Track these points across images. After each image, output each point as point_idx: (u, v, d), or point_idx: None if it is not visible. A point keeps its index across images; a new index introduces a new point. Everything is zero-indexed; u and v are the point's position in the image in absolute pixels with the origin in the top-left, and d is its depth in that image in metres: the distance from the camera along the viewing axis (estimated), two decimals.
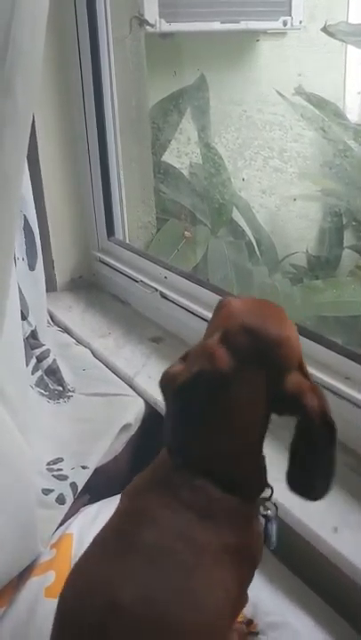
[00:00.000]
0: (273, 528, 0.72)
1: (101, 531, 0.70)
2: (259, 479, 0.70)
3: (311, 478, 0.65)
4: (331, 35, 1.71)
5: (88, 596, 0.62)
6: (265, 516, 0.72)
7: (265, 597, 0.90)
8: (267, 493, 0.71)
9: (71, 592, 0.66)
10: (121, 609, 0.59)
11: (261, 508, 0.71)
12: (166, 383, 0.64)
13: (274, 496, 0.71)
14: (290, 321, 0.68)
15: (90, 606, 0.61)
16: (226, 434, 0.65)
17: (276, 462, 0.68)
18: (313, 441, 0.63)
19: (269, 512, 0.72)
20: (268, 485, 0.71)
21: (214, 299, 1.31)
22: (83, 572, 0.67)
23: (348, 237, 2.00)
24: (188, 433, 0.66)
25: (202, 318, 1.30)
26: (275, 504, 0.72)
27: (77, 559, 0.69)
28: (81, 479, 1.07)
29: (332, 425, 0.63)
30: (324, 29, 1.71)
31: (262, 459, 0.70)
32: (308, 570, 0.93)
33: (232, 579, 0.65)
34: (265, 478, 0.70)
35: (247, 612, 0.87)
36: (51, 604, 0.85)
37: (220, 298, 0.72)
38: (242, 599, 0.71)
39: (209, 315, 1.27)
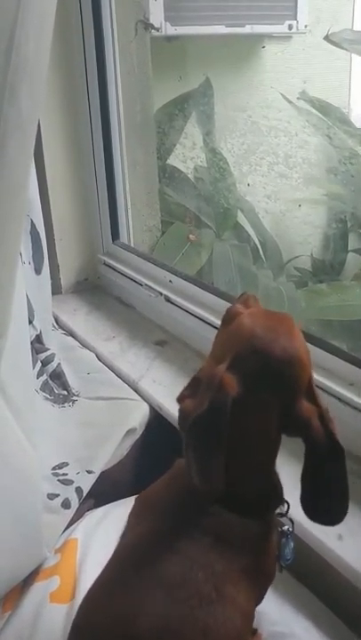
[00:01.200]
0: (289, 544, 0.72)
1: (117, 553, 0.69)
2: (273, 497, 0.70)
3: (326, 503, 0.64)
4: (334, 44, 1.70)
5: (106, 629, 0.61)
6: (281, 532, 0.72)
7: (270, 605, 0.89)
8: (283, 509, 0.71)
9: (87, 623, 0.65)
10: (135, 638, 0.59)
11: (278, 524, 0.71)
12: (184, 422, 0.63)
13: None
14: (300, 334, 0.66)
15: (104, 635, 0.61)
16: (239, 458, 0.64)
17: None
18: (322, 467, 0.63)
19: (286, 528, 0.72)
20: (283, 501, 0.70)
21: (219, 303, 1.32)
22: (99, 602, 0.66)
23: (353, 241, 2.00)
24: (212, 470, 0.63)
25: (206, 322, 1.30)
26: (291, 519, 0.72)
27: (92, 586, 0.68)
28: (86, 484, 1.07)
29: (341, 449, 0.62)
30: (327, 38, 1.70)
31: (276, 476, 0.69)
32: (312, 578, 0.93)
33: (249, 600, 0.66)
34: (280, 495, 0.70)
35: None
36: (55, 609, 0.85)
37: (229, 306, 0.70)
38: (253, 615, 0.71)
39: (214, 318, 1.28)
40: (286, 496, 0.70)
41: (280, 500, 0.70)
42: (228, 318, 0.68)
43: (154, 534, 0.67)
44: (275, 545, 0.70)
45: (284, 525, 0.72)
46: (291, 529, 0.73)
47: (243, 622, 0.64)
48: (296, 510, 0.88)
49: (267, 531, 0.68)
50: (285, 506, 0.71)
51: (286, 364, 0.62)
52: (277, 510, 0.70)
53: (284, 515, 0.71)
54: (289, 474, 0.69)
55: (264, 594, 0.70)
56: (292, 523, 0.73)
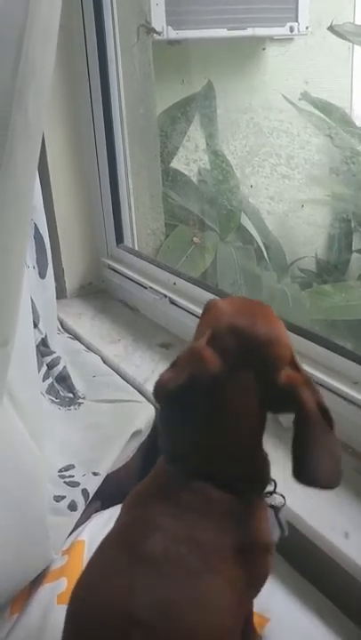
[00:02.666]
0: (281, 518, 0.73)
1: (103, 544, 0.70)
2: (261, 475, 0.70)
3: (317, 465, 0.63)
4: (338, 35, 1.71)
5: (105, 615, 0.62)
6: (273, 507, 0.72)
7: (277, 603, 0.90)
8: (271, 488, 0.71)
9: (84, 610, 0.65)
10: (140, 623, 0.60)
11: (269, 500, 0.71)
12: (159, 391, 0.63)
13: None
14: (278, 319, 0.68)
15: (108, 624, 0.61)
16: (221, 435, 0.65)
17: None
18: (313, 431, 0.63)
19: (277, 502, 0.73)
20: (271, 480, 0.71)
21: None
22: (93, 589, 0.66)
23: (357, 242, 2.00)
24: (184, 438, 0.66)
25: None
26: (282, 495, 0.73)
27: (82, 574, 0.69)
28: (92, 486, 1.07)
29: (328, 411, 0.63)
30: (331, 29, 1.71)
31: (263, 455, 0.70)
32: (319, 575, 0.93)
33: (241, 577, 0.66)
34: (268, 473, 0.70)
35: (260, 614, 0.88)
36: (63, 611, 0.85)
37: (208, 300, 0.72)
38: (252, 598, 0.71)
39: None
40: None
41: (267, 478, 0.71)
42: (207, 309, 0.70)
43: (139, 518, 0.68)
44: (265, 522, 0.70)
45: (274, 501, 0.73)
46: (283, 503, 0.73)
47: (233, 595, 0.65)
48: (302, 509, 0.90)
49: (255, 509, 0.69)
50: (273, 484, 0.72)
51: (264, 341, 0.64)
52: (266, 489, 0.71)
53: (273, 492, 0.72)
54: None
55: (263, 574, 0.70)
56: (284, 498, 0.73)
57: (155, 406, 1.23)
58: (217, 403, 0.64)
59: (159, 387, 0.63)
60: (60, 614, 0.87)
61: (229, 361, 0.63)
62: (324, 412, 0.63)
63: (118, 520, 0.72)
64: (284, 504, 0.74)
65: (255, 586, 0.71)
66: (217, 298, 0.72)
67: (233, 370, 0.63)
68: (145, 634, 0.60)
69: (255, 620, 0.84)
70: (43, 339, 1.31)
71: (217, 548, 0.64)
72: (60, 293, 1.66)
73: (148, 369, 1.34)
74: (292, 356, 0.66)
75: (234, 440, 0.66)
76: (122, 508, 0.73)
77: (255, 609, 0.81)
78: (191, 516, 0.65)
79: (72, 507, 1.03)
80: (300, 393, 0.63)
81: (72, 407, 1.27)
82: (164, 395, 0.63)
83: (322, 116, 1.84)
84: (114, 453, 1.13)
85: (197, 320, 1.37)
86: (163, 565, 0.63)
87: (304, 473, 0.63)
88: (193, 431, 0.65)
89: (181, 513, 0.65)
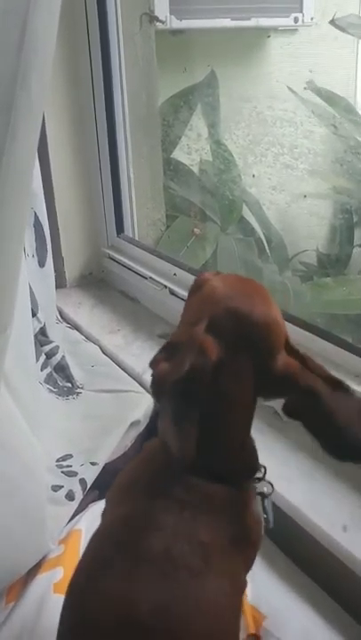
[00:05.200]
0: (269, 505, 0.72)
1: (96, 540, 0.68)
2: (250, 462, 0.69)
3: (353, 434, 0.61)
4: (340, 28, 1.69)
5: (102, 616, 0.60)
6: (261, 494, 0.71)
7: (274, 595, 0.89)
8: (260, 474, 0.71)
9: (79, 610, 0.63)
10: (139, 624, 0.58)
11: (257, 488, 0.71)
12: (158, 385, 0.60)
13: (280, 494, 0.71)
14: (272, 298, 0.66)
15: (105, 625, 0.60)
16: (216, 424, 0.64)
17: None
18: (331, 406, 0.61)
19: (265, 489, 0.72)
20: (260, 466, 0.70)
21: None
22: (89, 588, 0.64)
23: (359, 235, 1.99)
24: (189, 434, 0.63)
25: None
26: (270, 482, 0.72)
27: (75, 574, 0.67)
28: (90, 475, 1.07)
29: (338, 380, 0.62)
30: (333, 23, 1.69)
31: (251, 442, 0.69)
32: (317, 569, 0.93)
33: (236, 567, 0.65)
34: (256, 460, 0.70)
35: (258, 609, 0.87)
36: (59, 600, 0.85)
37: (196, 276, 0.69)
38: (244, 583, 0.70)
39: None
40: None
41: (256, 465, 0.70)
42: (197, 286, 0.68)
43: (133, 515, 0.66)
44: (256, 511, 0.70)
45: (263, 488, 0.72)
46: (270, 491, 0.72)
47: (233, 589, 0.64)
48: (300, 501, 0.89)
49: (246, 497, 0.68)
50: (262, 470, 0.71)
51: (263, 326, 0.62)
52: (255, 475, 0.70)
53: (262, 479, 0.71)
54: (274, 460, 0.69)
55: (252, 561, 0.69)
56: (272, 485, 0.72)
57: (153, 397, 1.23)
58: (214, 389, 0.61)
59: (158, 380, 0.60)
60: (55, 603, 0.87)
61: (227, 347, 0.61)
62: (334, 382, 0.62)
63: (106, 512, 0.70)
64: (272, 491, 0.72)
65: (249, 568, 0.70)
66: (206, 274, 0.69)
67: (230, 355, 0.61)
68: (145, 636, 0.58)
69: (253, 615, 0.84)
70: (41, 328, 1.30)
71: (217, 544, 0.63)
72: (60, 283, 1.66)
73: (147, 359, 1.32)
74: (286, 338, 0.65)
75: (228, 428, 0.65)
76: (108, 499, 0.72)
77: (252, 604, 0.80)
78: (190, 512, 0.63)
79: (70, 496, 1.03)
80: (301, 381, 0.62)
81: (70, 397, 1.27)
82: (164, 389, 0.60)
83: (326, 106, 1.82)
84: (112, 443, 1.13)
85: None
86: (165, 566, 0.61)
87: (341, 447, 0.62)
88: (192, 420, 0.63)
89: (181, 509, 0.63)
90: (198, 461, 0.63)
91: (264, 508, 0.71)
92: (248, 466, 0.69)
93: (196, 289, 0.68)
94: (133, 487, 0.69)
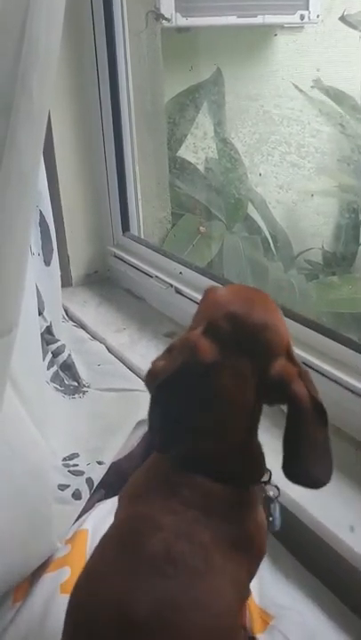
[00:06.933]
0: (276, 508, 0.72)
1: (104, 542, 0.68)
2: (256, 466, 0.69)
3: (309, 465, 0.63)
4: (350, 25, 1.69)
5: (104, 618, 0.61)
6: (267, 498, 0.71)
7: (281, 596, 0.89)
8: (266, 478, 0.70)
9: (81, 609, 0.64)
10: (136, 624, 0.59)
11: (263, 491, 0.71)
12: (150, 380, 0.63)
13: (287, 494, 0.71)
14: (276, 307, 0.67)
15: (104, 623, 0.60)
16: (216, 425, 0.65)
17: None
18: (304, 427, 0.62)
19: (271, 493, 0.72)
20: (266, 470, 0.70)
21: None
22: (91, 588, 0.65)
23: None
24: (177, 428, 0.65)
25: None
26: (276, 486, 0.72)
27: (81, 573, 0.67)
28: (97, 475, 1.07)
29: (323, 407, 0.62)
30: (343, 19, 1.69)
31: (258, 446, 0.69)
32: (324, 569, 0.93)
33: (239, 571, 0.65)
34: (263, 464, 0.70)
35: (265, 610, 0.87)
36: (66, 600, 0.85)
37: (207, 287, 0.71)
38: (248, 590, 0.70)
39: None
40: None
41: (263, 468, 0.70)
42: (206, 295, 0.69)
43: (137, 516, 0.67)
44: (262, 514, 0.70)
45: (269, 492, 0.72)
46: (277, 494, 0.72)
47: (234, 592, 0.64)
48: (307, 501, 0.89)
49: (251, 500, 0.68)
50: (269, 474, 0.71)
51: (261, 328, 0.63)
52: (261, 479, 0.70)
53: (268, 482, 0.71)
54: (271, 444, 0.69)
55: (257, 565, 0.69)
56: (278, 489, 0.72)
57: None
58: (212, 389, 0.63)
59: (151, 375, 0.63)
60: (62, 603, 0.87)
61: (224, 349, 0.62)
62: (318, 406, 0.62)
63: (118, 514, 0.71)
64: (278, 495, 0.73)
65: (253, 572, 0.70)
66: (215, 286, 0.71)
67: (228, 356, 0.62)
68: (142, 636, 0.58)
69: (261, 616, 0.84)
70: (48, 327, 1.30)
71: (219, 545, 0.63)
72: (66, 281, 1.66)
73: (153, 358, 1.33)
74: (288, 346, 0.65)
75: (229, 430, 0.65)
76: (120, 500, 0.72)
77: (260, 605, 0.80)
78: (193, 513, 0.64)
79: (76, 495, 1.03)
80: (293, 386, 0.62)
81: (77, 396, 1.27)
82: (155, 384, 0.62)
83: (333, 104, 1.82)
84: (118, 442, 1.13)
85: None
86: (165, 567, 0.61)
87: (294, 471, 0.63)
88: (188, 419, 0.64)
89: (183, 510, 0.64)
90: (199, 460, 0.64)
91: (269, 512, 0.71)
92: (253, 469, 0.69)
93: (203, 299, 0.69)
94: (142, 488, 0.69)
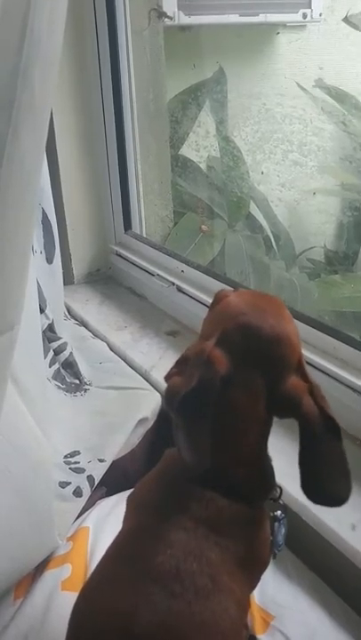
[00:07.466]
0: (281, 530, 0.72)
1: (111, 551, 0.68)
2: (266, 481, 0.69)
3: (325, 483, 0.63)
4: (353, 26, 1.68)
5: (106, 629, 0.60)
6: (274, 517, 0.71)
7: (283, 595, 0.89)
8: (275, 495, 0.70)
9: (85, 621, 0.64)
10: (136, 639, 0.58)
11: (271, 509, 0.70)
12: (171, 399, 0.62)
13: (288, 492, 0.70)
14: (289, 315, 0.66)
15: (106, 637, 0.60)
16: (228, 439, 0.64)
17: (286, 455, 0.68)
18: (317, 445, 0.61)
19: (278, 513, 0.71)
20: (275, 486, 0.70)
21: None
22: (96, 600, 0.64)
23: None
24: (201, 444, 0.63)
25: None
26: (284, 504, 0.71)
27: (87, 582, 0.67)
28: (98, 472, 1.07)
29: (335, 422, 0.61)
30: (346, 20, 1.68)
31: (268, 460, 0.68)
32: (326, 567, 0.93)
33: (243, 588, 0.65)
34: (272, 479, 0.69)
35: (266, 609, 0.87)
36: (67, 597, 0.86)
37: (218, 290, 0.70)
38: (249, 602, 0.70)
39: None
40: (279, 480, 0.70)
41: (272, 484, 0.69)
42: (216, 301, 0.68)
43: (147, 529, 0.66)
44: (268, 531, 0.69)
45: (276, 511, 0.71)
46: (283, 514, 0.72)
47: (238, 611, 0.64)
48: (304, 498, 0.89)
49: (260, 517, 0.68)
50: (278, 491, 0.70)
51: (274, 341, 0.62)
52: (271, 496, 0.70)
53: (277, 499, 0.71)
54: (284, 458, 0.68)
55: (257, 580, 0.69)
56: (285, 508, 0.72)
57: (161, 394, 1.22)
58: (224, 404, 0.62)
59: (170, 394, 0.62)
60: (63, 600, 0.87)
61: (238, 362, 0.61)
62: (330, 422, 0.61)
63: (125, 521, 0.70)
64: (285, 517, 0.72)
65: (253, 587, 0.70)
66: (227, 288, 0.71)
67: (240, 369, 0.61)
68: None
69: (260, 615, 0.84)
70: (50, 324, 1.30)
71: (226, 564, 0.63)
72: (68, 279, 1.66)
73: (155, 357, 1.34)
74: (299, 359, 0.64)
75: (240, 444, 0.65)
76: (128, 504, 0.72)
77: (261, 605, 0.80)
78: (202, 530, 0.63)
79: (77, 493, 1.03)
80: (303, 405, 0.61)
81: (78, 393, 1.27)
82: (176, 402, 0.60)
83: (335, 103, 1.82)
84: (120, 440, 1.13)
85: (205, 309, 1.38)
86: (173, 585, 0.61)
87: (312, 492, 0.62)
88: (207, 434, 0.62)
89: (194, 527, 0.63)
90: (213, 474, 0.63)
91: (273, 531, 0.71)
92: (263, 483, 0.69)
93: (214, 304, 0.69)
94: (151, 497, 0.69)
